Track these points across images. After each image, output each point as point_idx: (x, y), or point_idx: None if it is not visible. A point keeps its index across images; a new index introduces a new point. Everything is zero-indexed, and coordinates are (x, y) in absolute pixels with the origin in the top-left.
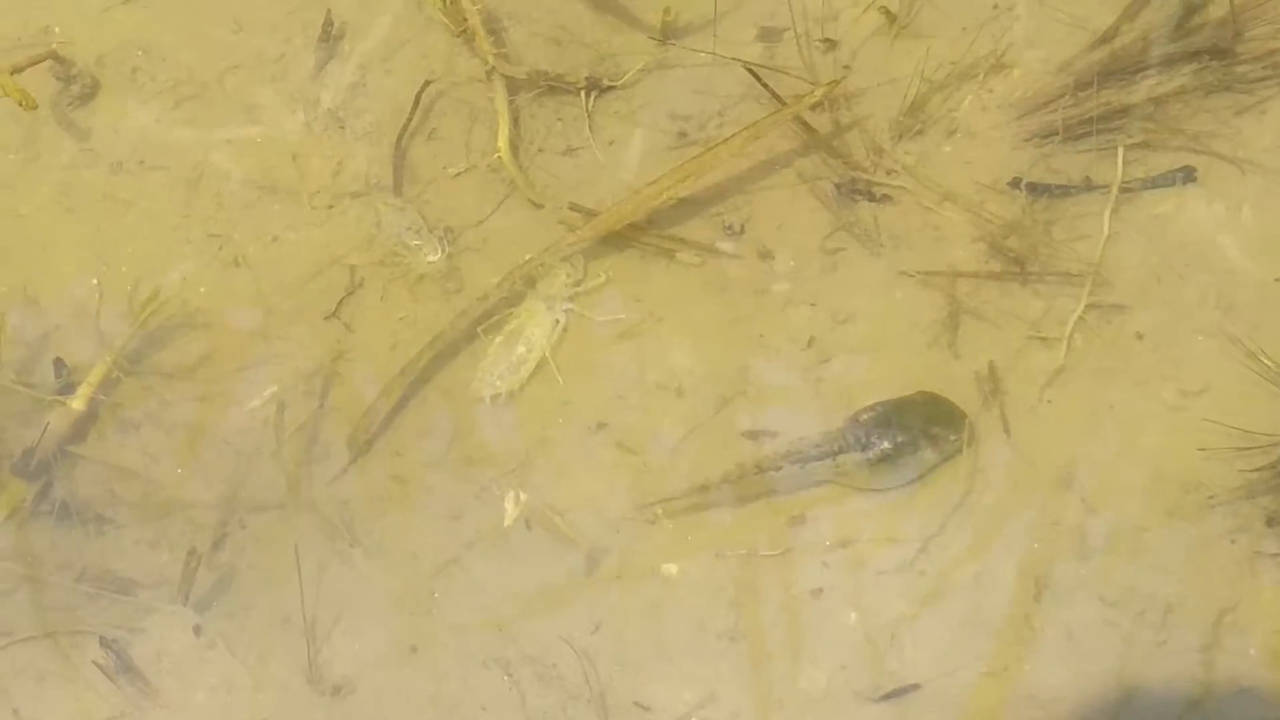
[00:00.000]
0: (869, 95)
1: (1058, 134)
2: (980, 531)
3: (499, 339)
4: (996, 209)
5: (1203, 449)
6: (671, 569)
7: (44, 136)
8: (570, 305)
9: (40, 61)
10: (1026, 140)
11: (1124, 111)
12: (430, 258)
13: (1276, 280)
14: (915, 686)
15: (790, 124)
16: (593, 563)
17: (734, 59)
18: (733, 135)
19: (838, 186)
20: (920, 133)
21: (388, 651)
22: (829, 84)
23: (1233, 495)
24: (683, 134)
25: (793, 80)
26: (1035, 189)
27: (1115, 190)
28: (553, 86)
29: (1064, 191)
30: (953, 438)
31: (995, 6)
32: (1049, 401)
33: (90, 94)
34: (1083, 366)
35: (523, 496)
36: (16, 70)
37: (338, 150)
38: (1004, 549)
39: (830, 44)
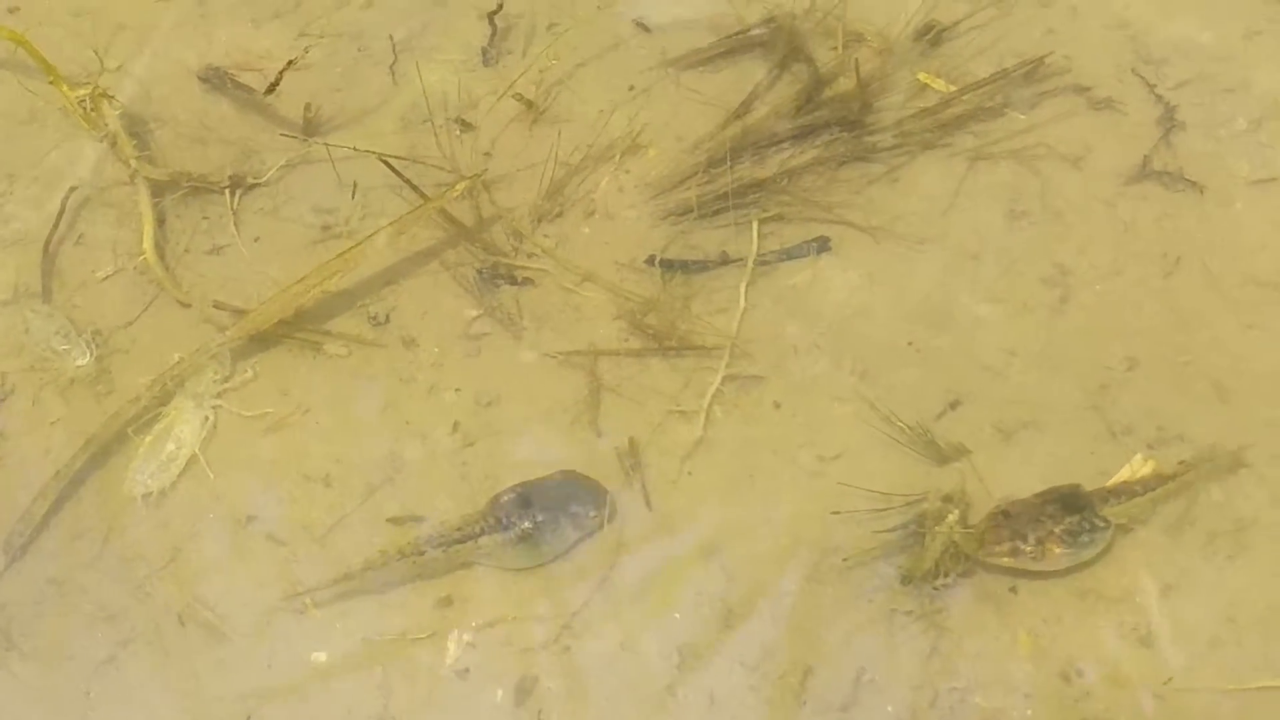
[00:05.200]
0: (509, 181)
1: (693, 211)
2: (623, 605)
3: (149, 438)
4: (635, 287)
5: (837, 512)
6: (320, 656)
7: None
8: (218, 402)
9: None
10: (664, 218)
11: (758, 186)
12: (79, 361)
13: (909, 345)
14: None
15: (433, 214)
16: (245, 654)
17: (373, 152)
18: (376, 231)
19: (480, 272)
20: (559, 215)
21: None
22: (471, 177)
23: (868, 556)
24: (327, 228)
25: (434, 170)
26: (670, 265)
27: (751, 264)
28: (197, 187)
29: (700, 267)
30: (592, 514)
31: (631, 88)
32: (690, 474)
33: None
34: (722, 437)
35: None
36: None
37: None
38: (646, 620)
39: (468, 127)
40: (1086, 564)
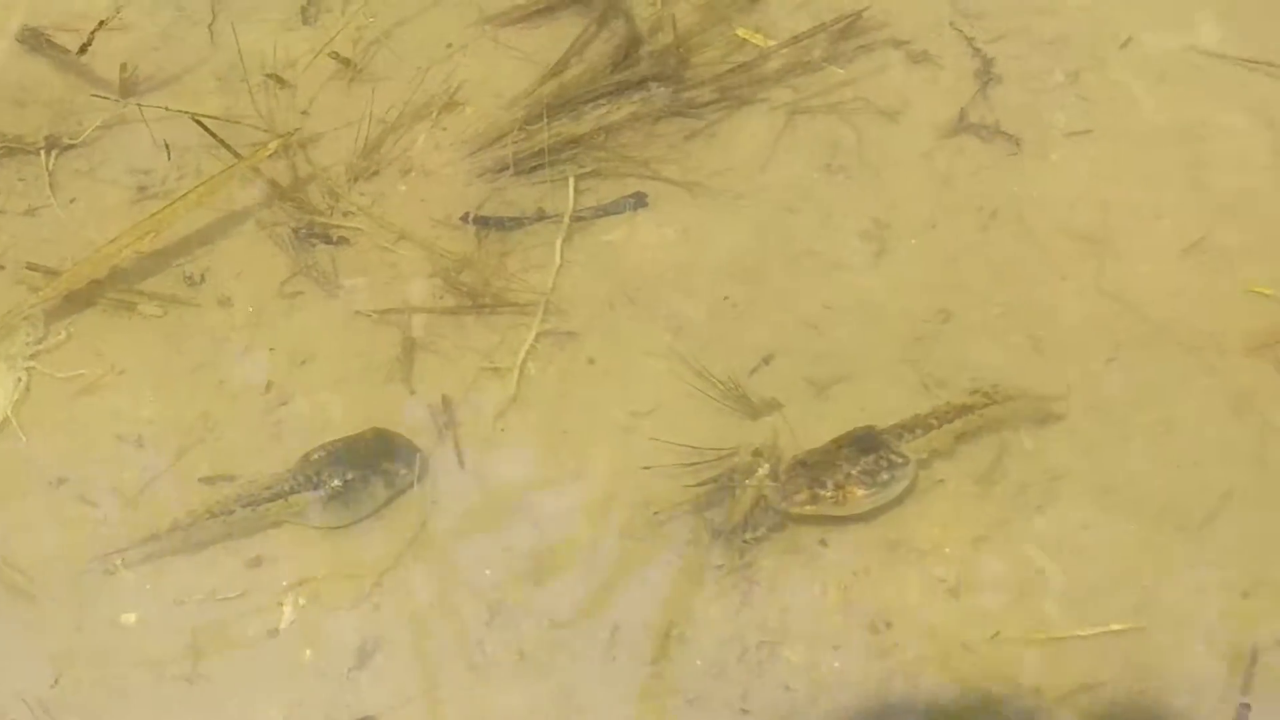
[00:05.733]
0: (326, 140)
1: (510, 168)
2: (435, 562)
3: None
4: (450, 245)
5: (648, 467)
6: (130, 618)
7: None
8: (31, 363)
9: None
10: (480, 175)
11: (576, 142)
12: None
13: (725, 300)
14: (370, 718)
15: (249, 173)
16: (53, 616)
17: (187, 112)
18: (189, 190)
19: (295, 231)
20: (376, 174)
21: None
22: (283, 136)
23: (679, 510)
24: (143, 188)
25: (250, 130)
26: (485, 222)
27: (567, 220)
28: (12, 148)
29: (516, 224)
30: (404, 472)
31: (449, 45)
32: (503, 430)
33: None
34: (536, 394)
35: None
36: None
37: None
38: (457, 578)
39: (285, 86)
40: (897, 515)
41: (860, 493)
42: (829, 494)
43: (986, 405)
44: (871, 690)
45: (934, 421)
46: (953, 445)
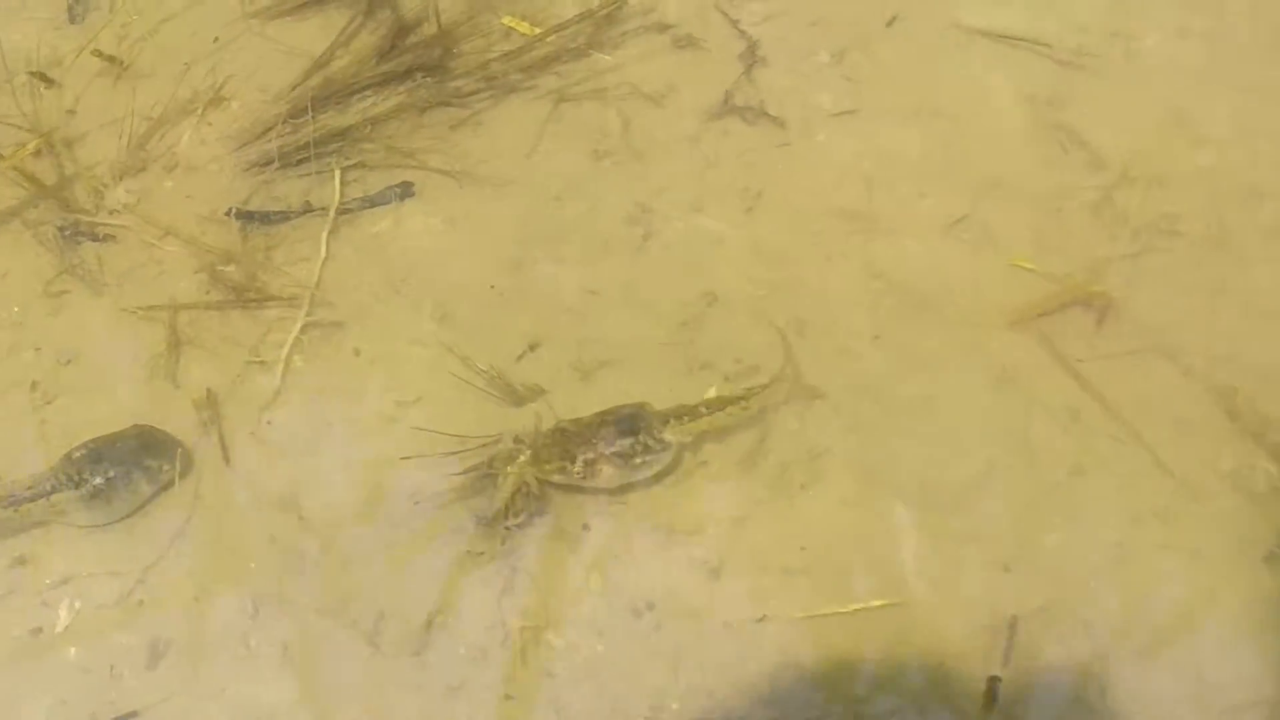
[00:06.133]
0: (92, 138)
1: (275, 161)
2: (198, 557)
3: None
4: (216, 240)
5: (408, 457)
6: None
7: None
8: None
9: None
10: (247, 170)
11: (341, 134)
12: None
13: (491, 288)
14: (134, 714)
15: (11, 173)
16: None
17: None
18: None
19: (61, 230)
20: (142, 170)
21: None
22: (42, 135)
23: (443, 499)
24: None
25: (14, 130)
26: (250, 217)
27: (333, 212)
28: None
29: (282, 217)
30: (166, 468)
31: (215, 40)
32: (269, 423)
33: None
34: (302, 386)
35: None
36: None
37: None
38: (222, 572)
39: (51, 85)
40: (659, 497)
41: (609, 471)
42: (578, 468)
43: (751, 396)
44: (634, 672)
45: (703, 410)
46: (721, 433)
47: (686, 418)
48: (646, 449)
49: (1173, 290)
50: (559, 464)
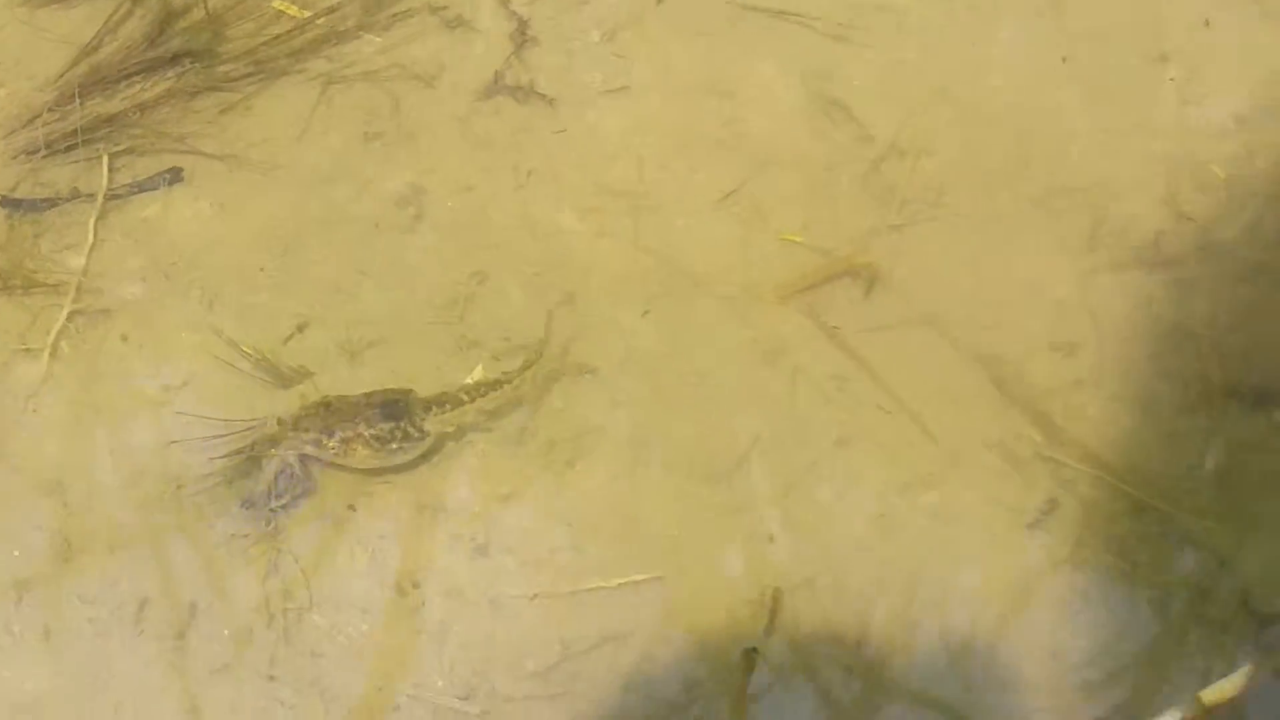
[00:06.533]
0: None
1: (42, 149)
2: None
3: None
4: None
5: (176, 441)
6: None
7: None
8: None
9: None
10: (14, 158)
11: (110, 120)
12: None
13: (260, 271)
14: None
15: None
16: None
17: None
18: None
19: None
20: None
21: None
22: None
23: (208, 483)
24: None
25: None
26: (16, 204)
27: (101, 198)
28: None
29: (49, 204)
30: None
31: None
32: (34, 411)
33: None
34: (69, 373)
35: None
36: None
37: None
38: None
39: None
40: (425, 477)
41: (364, 452)
42: (333, 445)
43: (513, 378)
44: (399, 651)
45: (465, 397)
46: (488, 419)
47: (450, 405)
48: (406, 436)
49: (940, 261)
50: (316, 436)
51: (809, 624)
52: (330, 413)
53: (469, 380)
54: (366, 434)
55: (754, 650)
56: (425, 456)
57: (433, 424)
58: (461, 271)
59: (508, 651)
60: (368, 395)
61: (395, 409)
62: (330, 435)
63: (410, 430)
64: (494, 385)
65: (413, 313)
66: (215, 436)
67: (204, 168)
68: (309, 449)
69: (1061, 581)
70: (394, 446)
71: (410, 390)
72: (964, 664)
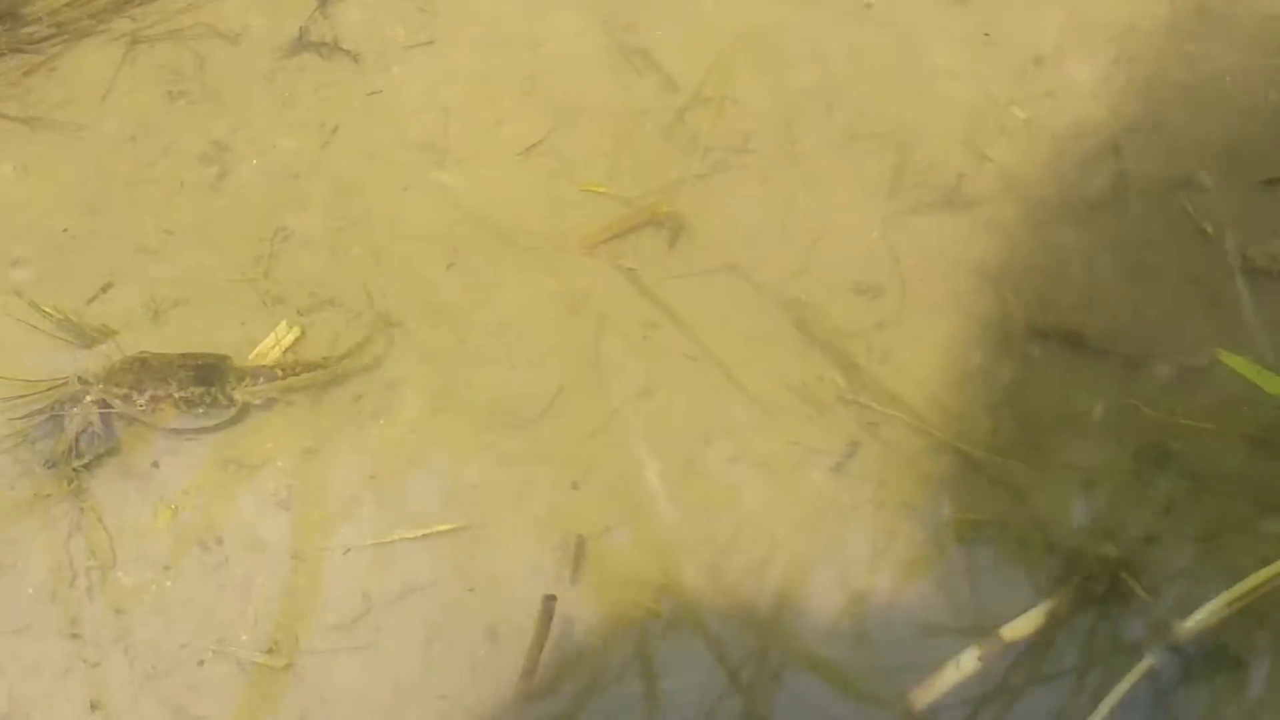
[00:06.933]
0: None
1: None
2: None
3: None
4: None
5: None
6: None
7: None
8: None
9: None
10: None
11: None
12: None
13: (64, 231)
14: None
15: None
16: None
17: None
18: None
19: None
20: None
21: None
22: None
23: (10, 444)
24: None
25: None
26: None
27: None
28: None
29: None
30: None
31: None
32: None
33: None
34: None
35: None
36: None
37: None
38: None
39: None
40: (228, 434)
41: (171, 413)
42: (142, 402)
43: (334, 364)
44: (203, 606)
45: (279, 373)
46: (299, 390)
47: (263, 379)
48: (214, 402)
49: (745, 208)
50: (126, 391)
51: (613, 573)
52: (145, 369)
53: (282, 339)
54: (176, 395)
55: (552, 598)
56: (231, 422)
57: (241, 394)
58: (266, 228)
59: (312, 605)
60: (183, 356)
61: (209, 374)
62: (141, 392)
63: (219, 397)
64: (309, 367)
65: (217, 271)
66: (16, 397)
67: (6, 130)
68: (118, 404)
69: (866, 523)
70: (200, 411)
71: (227, 357)
72: (767, 609)
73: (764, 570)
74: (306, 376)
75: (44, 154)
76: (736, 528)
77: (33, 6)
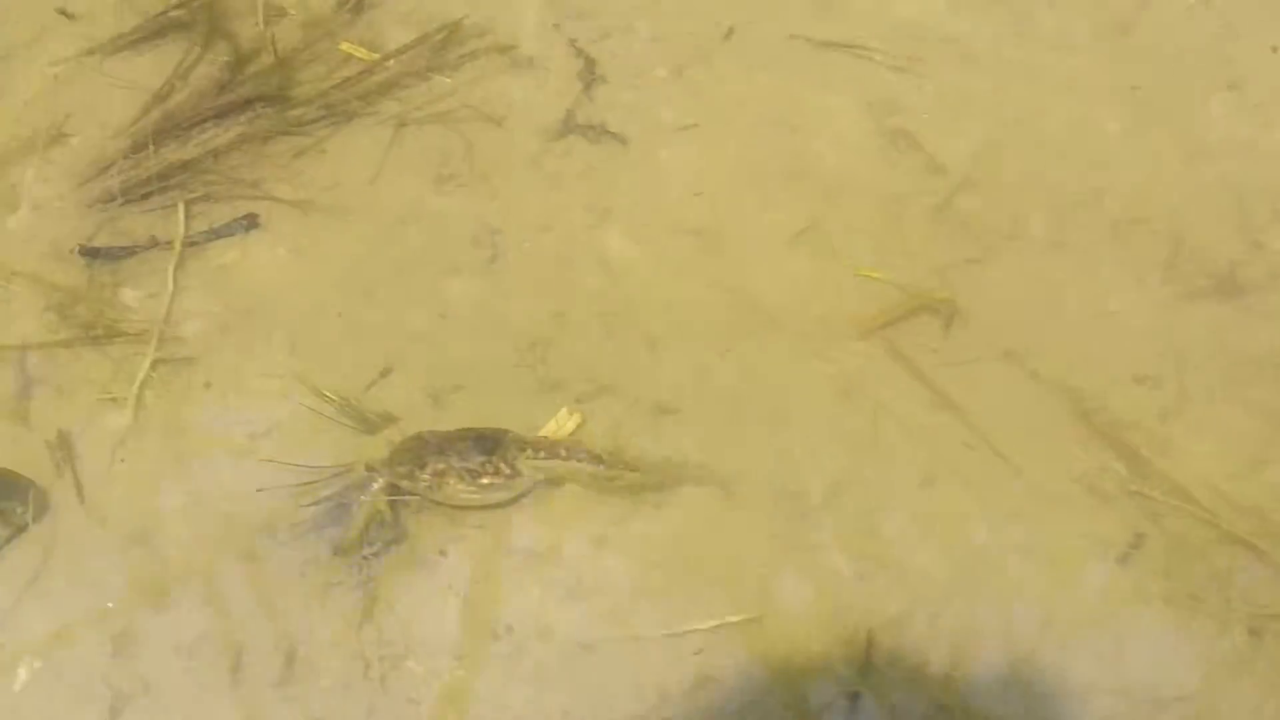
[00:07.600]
0: None
1: (119, 197)
2: (55, 600)
3: None
4: (63, 278)
5: (263, 489)
6: None
7: None
8: None
9: None
10: (91, 206)
11: (184, 167)
12: None
13: (339, 316)
14: None
15: None
16: None
17: None
18: None
19: None
20: None
21: None
22: None
23: (298, 531)
24: None
25: None
26: (96, 253)
27: (179, 246)
28: None
29: (128, 252)
30: (19, 509)
31: (55, 78)
32: (122, 461)
33: None
34: (154, 423)
35: None
36: None
37: None
38: (81, 613)
39: None
40: (515, 520)
41: (457, 485)
42: (426, 477)
43: (624, 475)
44: (496, 695)
45: (563, 452)
46: (587, 479)
47: (544, 453)
48: (498, 471)
49: (1017, 294)
50: (410, 469)
51: (902, 664)
52: (424, 445)
53: (563, 425)
54: (458, 466)
55: (856, 694)
56: (517, 499)
57: (525, 466)
58: (541, 312)
59: (604, 695)
60: (463, 430)
61: (490, 444)
62: (422, 467)
63: (503, 466)
64: (594, 459)
65: (493, 355)
66: (304, 483)
67: (279, 213)
68: (404, 483)
69: (1152, 616)
70: (485, 481)
71: (506, 430)
72: (1060, 701)
73: (1055, 663)
74: (589, 473)
75: (316, 237)
76: (1025, 619)
77: (300, 89)
